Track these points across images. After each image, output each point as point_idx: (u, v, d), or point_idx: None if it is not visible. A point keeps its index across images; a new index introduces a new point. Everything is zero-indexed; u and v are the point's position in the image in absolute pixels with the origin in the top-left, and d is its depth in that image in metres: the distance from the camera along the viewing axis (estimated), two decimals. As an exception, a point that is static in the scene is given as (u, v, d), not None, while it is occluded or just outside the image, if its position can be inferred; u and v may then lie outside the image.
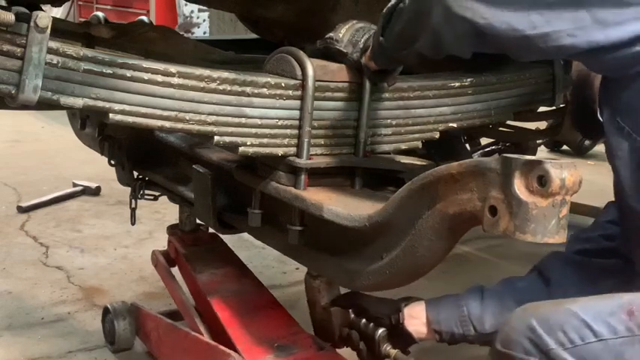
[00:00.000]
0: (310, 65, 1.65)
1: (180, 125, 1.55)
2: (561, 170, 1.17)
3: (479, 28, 1.36)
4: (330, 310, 1.92)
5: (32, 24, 1.38)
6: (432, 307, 1.79)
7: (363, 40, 1.69)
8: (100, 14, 2.48)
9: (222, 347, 2.07)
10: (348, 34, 1.71)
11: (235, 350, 2.04)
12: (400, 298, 1.85)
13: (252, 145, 1.63)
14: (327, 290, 1.93)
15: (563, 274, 1.74)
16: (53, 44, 1.42)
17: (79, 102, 1.45)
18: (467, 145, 3.62)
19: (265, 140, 1.64)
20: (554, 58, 1.85)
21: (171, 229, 2.55)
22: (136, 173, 2.48)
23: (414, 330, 1.79)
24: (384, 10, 1.57)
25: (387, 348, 1.81)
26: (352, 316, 1.88)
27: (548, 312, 1.39)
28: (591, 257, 1.74)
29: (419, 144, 1.88)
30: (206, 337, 2.18)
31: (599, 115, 1.49)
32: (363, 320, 1.85)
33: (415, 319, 1.79)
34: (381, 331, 1.82)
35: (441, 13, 1.41)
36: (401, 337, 1.82)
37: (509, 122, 2.46)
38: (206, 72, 1.56)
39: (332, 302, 1.92)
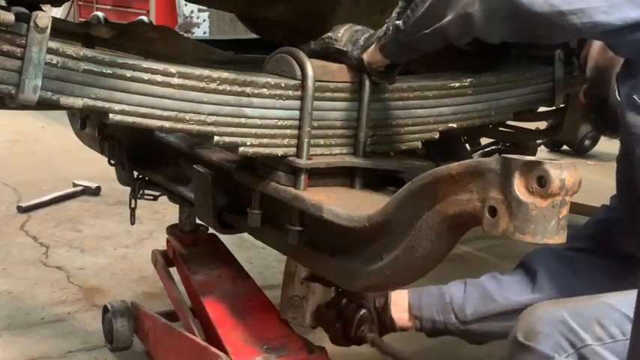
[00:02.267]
0: (310, 65, 1.65)
1: (180, 125, 1.55)
2: (561, 171, 1.17)
3: (514, 3, 1.35)
4: (309, 284, 1.89)
5: (32, 24, 1.38)
6: (415, 294, 1.81)
7: (363, 39, 1.68)
8: (100, 14, 2.48)
9: (212, 348, 2.07)
10: (347, 34, 1.71)
11: (225, 351, 2.04)
12: None
13: (252, 146, 1.63)
14: None
15: (552, 270, 1.74)
16: (53, 44, 1.42)
17: (78, 102, 1.45)
18: (467, 145, 3.62)
19: (265, 140, 1.64)
20: (586, 38, 1.86)
21: (171, 229, 2.55)
22: (136, 173, 2.48)
23: (395, 316, 1.82)
24: None
25: (365, 331, 1.81)
26: (333, 294, 1.86)
27: (580, 306, 1.35)
28: (581, 254, 1.74)
29: (419, 144, 1.88)
30: (199, 338, 2.19)
31: (617, 96, 1.49)
32: (344, 300, 1.84)
33: (397, 305, 1.81)
34: (362, 312, 1.81)
35: None
36: (381, 322, 1.83)
37: (509, 122, 2.46)
38: (206, 72, 1.56)
39: (313, 277, 1.89)
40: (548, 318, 1.35)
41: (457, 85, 1.91)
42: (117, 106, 1.48)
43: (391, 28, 1.58)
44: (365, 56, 1.67)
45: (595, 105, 1.84)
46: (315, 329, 1.99)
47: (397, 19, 1.57)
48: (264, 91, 1.62)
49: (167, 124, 1.54)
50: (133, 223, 2.62)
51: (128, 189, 2.52)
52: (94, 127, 2.46)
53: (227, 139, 1.60)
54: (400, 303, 1.83)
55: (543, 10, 1.34)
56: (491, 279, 1.82)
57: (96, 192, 4.50)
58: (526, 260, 1.82)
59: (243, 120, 1.61)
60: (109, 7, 7.86)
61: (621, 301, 1.33)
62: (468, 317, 1.75)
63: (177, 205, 2.49)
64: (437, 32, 1.51)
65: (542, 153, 5.36)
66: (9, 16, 1.36)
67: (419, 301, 1.79)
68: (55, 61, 1.42)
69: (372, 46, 1.65)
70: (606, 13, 1.33)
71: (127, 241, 3.77)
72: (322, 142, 1.71)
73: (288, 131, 1.65)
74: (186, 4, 7.41)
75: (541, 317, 1.36)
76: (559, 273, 1.73)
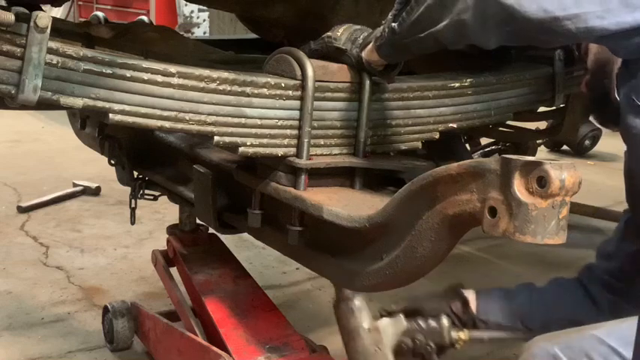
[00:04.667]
0: (310, 65, 1.65)
1: (180, 125, 1.55)
2: (561, 171, 1.17)
3: (508, 10, 1.35)
4: (376, 326, 1.80)
5: (32, 24, 1.38)
6: (482, 297, 1.78)
7: (362, 37, 1.68)
8: (100, 14, 2.48)
9: (214, 348, 2.07)
10: (347, 32, 1.71)
11: (227, 351, 2.04)
12: (446, 288, 1.84)
13: (252, 146, 1.63)
14: (364, 308, 1.79)
15: (603, 296, 1.74)
16: (53, 44, 1.42)
17: (78, 102, 1.45)
18: (467, 145, 3.62)
19: (265, 140, 1.64)
20: (581, 42, 1.86)
21: (171, 229, 2.55)
22: (136, 173, 2.48)
23: None
24: None
25: (456, 333, 1.78)
26: (405, 322, 1.81)
27: (571, 339, 1.38)
28: (616, 279, 1.75)
29: (419, 144, 1.87)
30: (200, 338, 2.19)
31: (616, 95, 1.48)
32: (419, 319, 1.80)
33: (470, 307, 1.80)
34: (444, 318, 1.78)
35: None
36: (462, 323, 1.80)
37: (509, 122, 2.46)
38: (206, 72, 1.56)
39: (379, 316, 1.83)
40: (541, 354, 1.41)
41: (457, 85, 1.90)
42: (117, 106, 1.48)
43: (387, 30, 1.58)
44: (364, 54, 1.67)
45: (597, 97, 1.83)
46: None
47: (393, 22, 1.57)
48: (264, 91, 1.62)
49: (167, 124, 1.54)
50: (133, 223, 2.63)
51: (128, 189, 2.52)
52: (94, 127, 2.47)
53: (227, 139, 1.60)
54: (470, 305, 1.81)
55: (538, 16, 1.34)
56: (557, 288, 1.80)
57: (96, 192, 4.50)
58: (581, 277, 1.80)
59: (243, 120, 1.61)
60: (109, 7, 7.86)
61: (610, 333, 1.36)
62: (536, 325, 1.72)
63: (177, 205, 2.49)
64: (431, 37, 1.52)
65: (542, 153, 5.36)
66: (9, 16, 1.36)
67: (486, 305, 1.77)
68: (55, 61, 1.42)
69: (370, 45, 1.65)
70: (601, 18, 1.32)
71: (127, 241, 3.77)
72: (322, 142, 1.71)
73: (288, 131, 1.65)
74: (186, 4, 7.41)
75: (535, 353, 1.42)
76: (608, 301, 1.73)
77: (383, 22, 1.64)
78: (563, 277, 1.85)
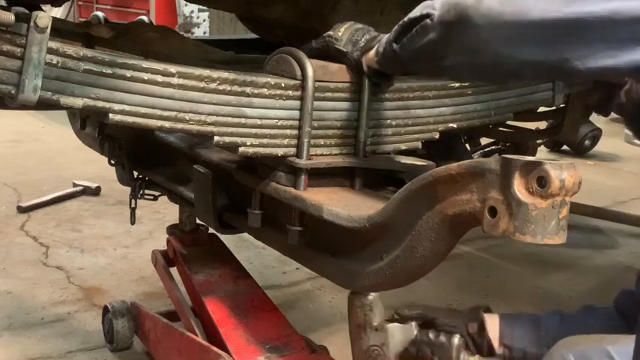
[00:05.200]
0: (310, 65, 1.65)
1: (180, 125, 1.55)
2: (561, 171, 1.17)
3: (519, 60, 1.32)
4: (387, 328, 1.74)
5: (32, 24, 1.38)
6: (507, 321, 1.70)
7: (363, 40, 1.67)
8: (100, 14, 2.48)
9: (214, 348, 2.07)
10: (348, 33, 1.69)
11: (227, 351, 2.04)
12: (470, 308, 1.77)
13: (252, 146, 1.63)
14: (377, 306, 1.72)
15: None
16: (53, 44, 1.42)
17: (78, 102, 1.45)
18: (467, 145, 3.62)
19: (265, 140, 1.64)
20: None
21: (171, 229, 2.56)
22: (136, 173, 2.48)
23: None
24: (404, 20, 1.50)
25: (466, 357, 1.70)
26: (416, 330, 1.75)
27: (587, 349, 1.37)
28: None
29: (419, 144, 1.87)
30: (200, 338, 2.19)
31: None
32: (432, 331, 1.74)
33: (487, 330, 1.71)
34: (457, 338, 1.70)
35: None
36: (477, 347, 1.72)
37: (509, 122, 2.46)
38: (206, 72, 1.56)
39: (391, 319, 1.77)
40: (556, 358, 1.39)
41: (457, 85, 1.90)
42: (117, 106, 1.48)
43: (389, 48, 1.55)
44: (364, 59, 1.66)
45: (635, 108, 1.80)
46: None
47: (394, 42, 1.53)
48: (264, 91, 1.62)
49: (167, 124, 1.54)
50: (133, 223, 2.63)
51: (128, 189, 2.52)
52: (94, 127, 2.47)
53: (227, 139, 1.60)
54: (490, 329, 1.71)
55: (547, 59, 1.31)
56: (589, 313, 1.72)
57: (96, 192, 4.50)
58: (618, 303, 1.72)
59: (243, 120, 1.61)
60: (109, 7, 7.86)
61: (620, 350, 1.34)
62: None
63: (178, 205, 2.49)
64: (439, 68, 1.49)
65: (542, 153, 5.36)
66: (9, 16, 1.36)
67: (512, 331, 1.68)
68: (55, 61, 1.42)
69: (372, 52, 1.63)
70: (613, 57, 1.25)
71: (127, 241, 3.77)
72: (322, 142, 1.71)
73: (288, 131, 1.65)
74: (186, 4, 7.42)
75: (553, 357, 1.40)
76: None
77: (379, 35, 1.62)
78: (596, 305, 1.77)
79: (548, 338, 1.63)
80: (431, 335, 1.73)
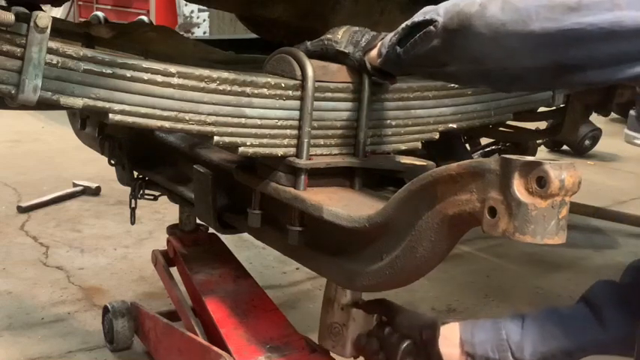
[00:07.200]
0: (310, 66, 1.65)
1: (180, 125, 1.55)
2: (560, 171, 1.17)
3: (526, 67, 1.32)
4: (350, 311, 1.80)
5: (32, 24, 1.38)
6: (467, 328, 1.67)
7: (364, 40, 1.67)
8: (100, 14, 2.48)
9: (214, 348, 2.07)
10: (347, 35, 1.69)
11: (227, 351, 2.04)
12: (435, 315, 1.76)
13: (251, 146, 1.63)
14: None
15: (617, 305, 1.62)
16: (53, 44, 1.42)
17: (78, 102, 1.45)
18: (467, 145, 3.62)
19: (265, 140, 1.64)
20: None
21: (171, 229, 2.56)
22: (136, 173, 2.49)
23: (444, 351, 1.67)
24: (407, 23, 1.50)
25: None
26: (375, 322, 1.78)
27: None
28: None
29: (419, 144, 1.87)
30: (200, 338, 2.19)
31: None
32: (387, 329, 1.74)
33: (447, 339, 1.67)
34: (406, 343, 1.70)
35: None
36: (427, 356, 1.69)
37: (509, 122, 2.46)
38: (206, 72, 1.56)
39: (355, 304, 1.81)
40: None
41: (457, 85, 1.90)
42: (117, 106, 1.48)
43: (391, 51, 1.55)
44: (367, 59, 1.65)
45: None
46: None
47: (397, 45, 1.53)
48: (264, 91, 1.62)
49: (167, 124, 1.54)
50: (133, 223, 2.63)
51: (128, 189, 2.52)
52: (94, 127, 2.47)
53: (227, 139, 1.60)
54: (450, 337, 1.67)
55: (549, 69, 1.31)
56: (551, 314, 1.67)
57: (96, 192, 4.50)
58: (588, 295, 1.69)
59: (243, 120, 1.61)
60: (109, 7, 7.86)
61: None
62: (526, 357, 1.60)
63: (177, 205, 2.49)
64: (441, 74, 1.50)
65: (542, 153, 5.37)
66: (9, 16, 1.36)
67: (472, 337, 1.64)
68: (55, 61, 1.42)
69: (374, 52, 1.63)
70: (615, 68, 1.25)
71: (127, 241, 3.77)
72: (322, 142, 1.71)
73: (288, 131, 1.65)
74: (186, 4, 7.42)
75: None
76: (625, 309, 1.60)
77: (382, 34, 1.62)
78: (558, 307, 1.73)
79: (510, 342, 1.61)
80: (385, 332, 1.74)
